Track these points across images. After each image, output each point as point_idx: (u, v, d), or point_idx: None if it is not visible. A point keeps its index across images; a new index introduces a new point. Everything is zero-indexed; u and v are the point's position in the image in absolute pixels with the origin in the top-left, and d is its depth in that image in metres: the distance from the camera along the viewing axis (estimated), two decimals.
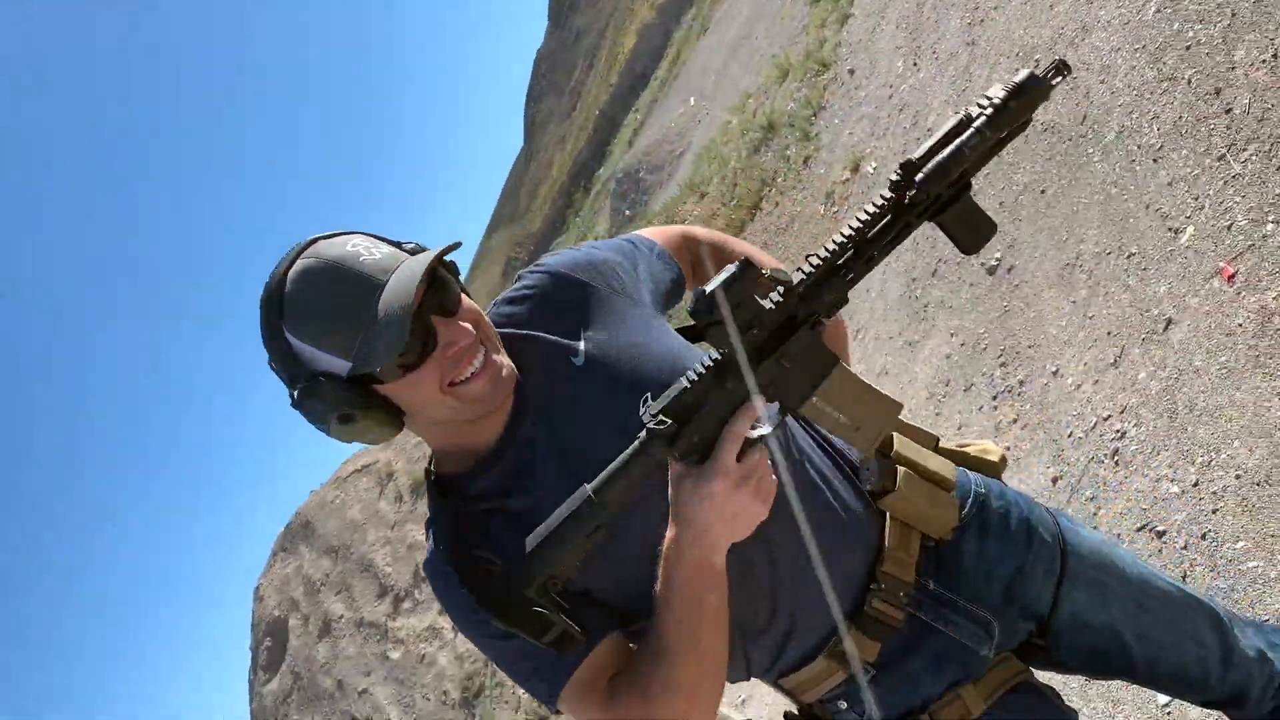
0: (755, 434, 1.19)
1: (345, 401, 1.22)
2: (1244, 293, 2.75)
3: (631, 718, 1.25)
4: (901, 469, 1.38)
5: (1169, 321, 3.01)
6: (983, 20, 5.76)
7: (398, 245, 1.30)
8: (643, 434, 1.17)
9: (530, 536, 1.16)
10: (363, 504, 10.64)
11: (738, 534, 1.20)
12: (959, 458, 1.51)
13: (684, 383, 1.18)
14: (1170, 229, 3.23)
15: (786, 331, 1.20)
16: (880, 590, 1.35)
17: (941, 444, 1.50)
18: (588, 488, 1.16)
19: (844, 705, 1.39)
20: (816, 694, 1.40)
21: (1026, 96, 1.15)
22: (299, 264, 1.22)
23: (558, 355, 1.35)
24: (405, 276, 1.20)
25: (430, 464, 1.41)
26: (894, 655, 1.37)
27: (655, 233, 1.55)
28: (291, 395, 1.25)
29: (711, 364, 1.19)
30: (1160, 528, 2.62)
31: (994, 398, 3.78)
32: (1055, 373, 3.48)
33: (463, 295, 1.28)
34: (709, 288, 1.13)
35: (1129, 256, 3.38)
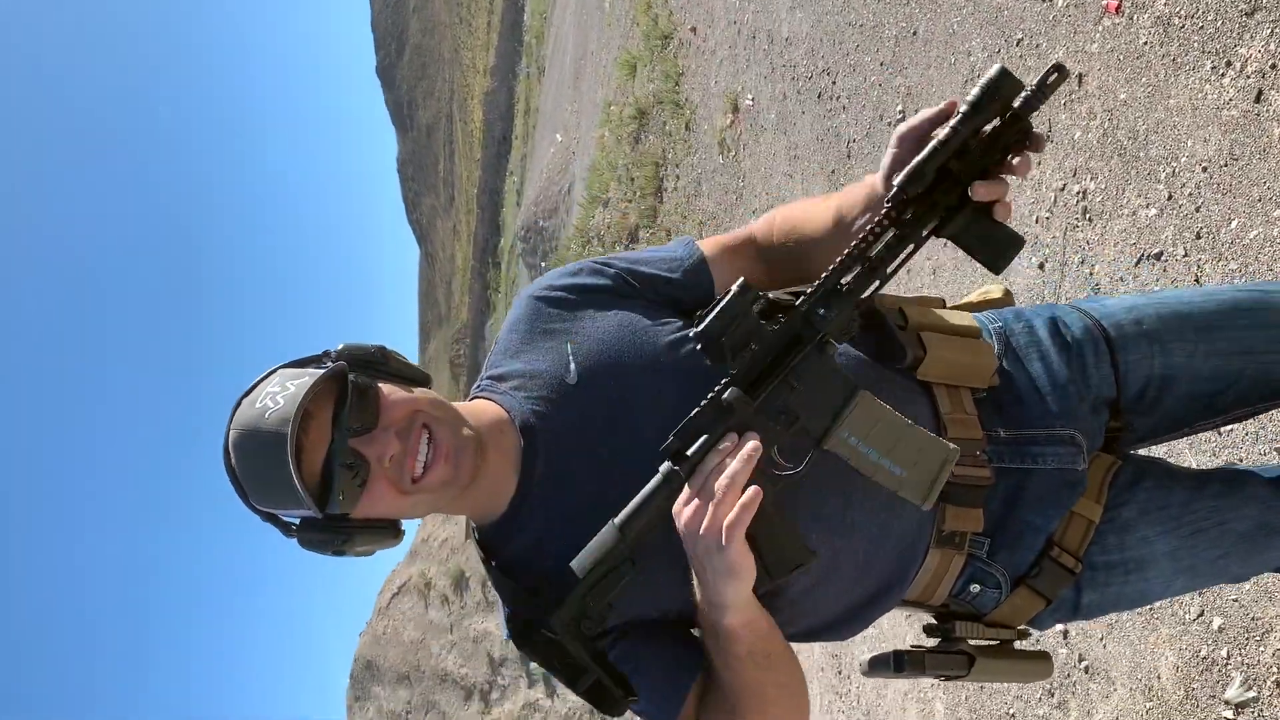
0: (786, 474, 1.16)
1: (333, 537, 1.23)
2: (1135, 15, 2.82)
3: None
4: (926, 333, 1.33)
5: (1080, 76, 3.07)
6: None
7: (321, 358, 1.29)
8: (664, 466, 1.15)
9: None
10: (414, 622, 10.47)
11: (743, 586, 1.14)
12: (967, 308, 1.48)
13: (695, 411, 1.15)
14: (1042, 0, 3.31)
15: (792, 352, 1.16)
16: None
17: (947, 304, 1.46)
18: (615, 522, 1.14)
19: (976, 588, 1.34)
20: (944, 591, 1.34)
21: (998, 93, 1.10)
22: (230, 436, 1.22)
23: (551, 383, 1.31)
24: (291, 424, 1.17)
25: (470, 527, 1.38)
26: (1001, 515, 1.33)
27: (709, 242, 1.43)
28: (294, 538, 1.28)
29: (717, 389, 1.15)
30: (1155, 250, 2.66)
31: None
32: None
33: (383, 391, 1.24)
34: (696, 328, 1.14)
35: (1018, 43, 3.46)
